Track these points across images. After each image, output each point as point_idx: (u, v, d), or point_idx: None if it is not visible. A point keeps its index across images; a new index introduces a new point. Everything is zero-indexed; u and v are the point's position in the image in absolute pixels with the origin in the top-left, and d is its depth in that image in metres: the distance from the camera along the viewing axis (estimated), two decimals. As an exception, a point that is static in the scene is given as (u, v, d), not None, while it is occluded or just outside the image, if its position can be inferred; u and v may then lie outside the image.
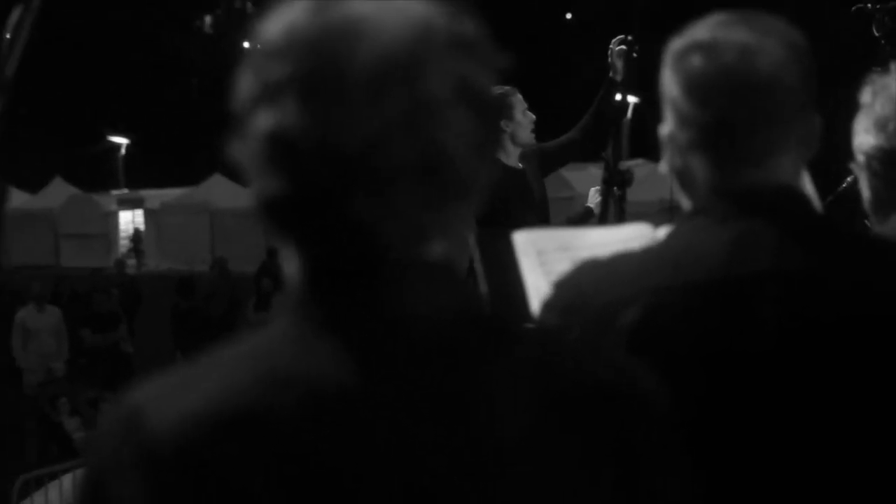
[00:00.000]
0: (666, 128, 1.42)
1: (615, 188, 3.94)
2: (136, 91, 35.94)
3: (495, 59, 1.01)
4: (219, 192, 24.86)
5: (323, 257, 0.97)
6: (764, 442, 1.32)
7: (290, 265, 0.99)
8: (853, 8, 3.86)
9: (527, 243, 1.67)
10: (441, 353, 0.96)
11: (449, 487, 0.94)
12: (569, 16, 31.53)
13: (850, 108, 1.74)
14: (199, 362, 0.98)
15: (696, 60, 1.37)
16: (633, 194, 4.20)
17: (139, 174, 33.40)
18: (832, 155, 1.80)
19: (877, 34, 3.79)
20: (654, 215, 2.48)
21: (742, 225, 1.36)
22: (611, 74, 4.78)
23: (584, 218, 5.03)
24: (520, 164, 5.05)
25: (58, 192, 28.62)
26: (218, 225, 25.19)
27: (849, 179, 2.49)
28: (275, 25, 0.98)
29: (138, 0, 35.26)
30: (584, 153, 5.29)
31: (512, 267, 1.68)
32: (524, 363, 1.00)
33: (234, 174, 1.02)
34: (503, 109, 4.90)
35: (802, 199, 1.42)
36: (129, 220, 29.10)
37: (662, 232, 1.45)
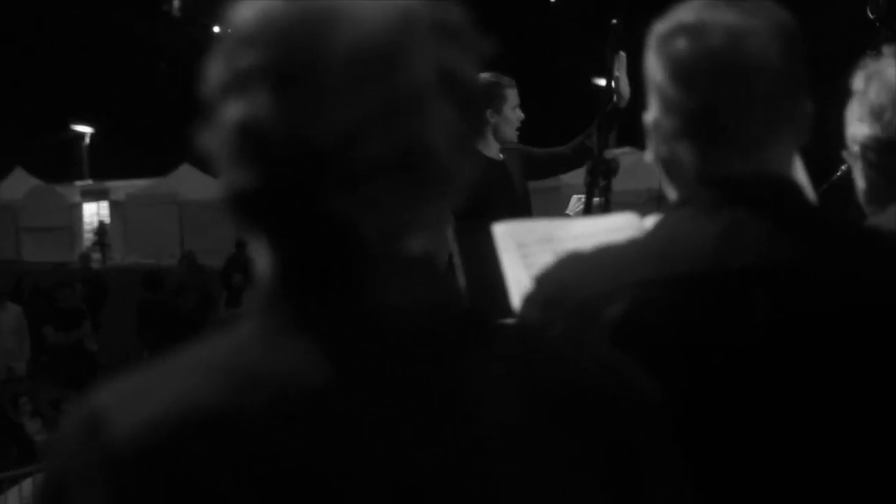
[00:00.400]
0: (651, 115, 1.39)
1: (600, 178, 3.88)
2: (101, 77, 35.00)
3: (480, 47, 0.97)
4: (188, 183, 24.70)
5: (295, 252, 0.95)
6: (753, 436, 1.30)
7: (261, 260, 0.97)
8: None
9: (507, 236, 1.64)
10: (417, 345, 0.94)
11: (438, 485, 0.92)
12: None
13: (843, 94, 1.71)
14: (166, 361, 0.96)
15: (682, 44, 1.33)
16: (620, 184, 4.15)
17: (104, 164, 33.07)
18: (826, 142, 1.77)
19: (871, 16, 3.74)
20: (641, 205, 2.45)
21: (729, 215, 1.33)
22: (614, 99, 4.41)
23: None
24: (500, 156, 4.99)
25: (19, 184, 28.33)
26: (187, 217, 24.98)
27: (843, 168, 2.48)
28: (247, 9, 0.94)
29: (103, -19, 34.85)
30: (571, 169, 5.21)
31: (492, 260, 1.65)
32: (504, 358, 0.98)
33: (204, 164, 0.99)
34: (492, 99, 4.84)
35: (792, 187, 1.39)
36: (94, 213, 28.95)
37: (649, 222, 1.43)
